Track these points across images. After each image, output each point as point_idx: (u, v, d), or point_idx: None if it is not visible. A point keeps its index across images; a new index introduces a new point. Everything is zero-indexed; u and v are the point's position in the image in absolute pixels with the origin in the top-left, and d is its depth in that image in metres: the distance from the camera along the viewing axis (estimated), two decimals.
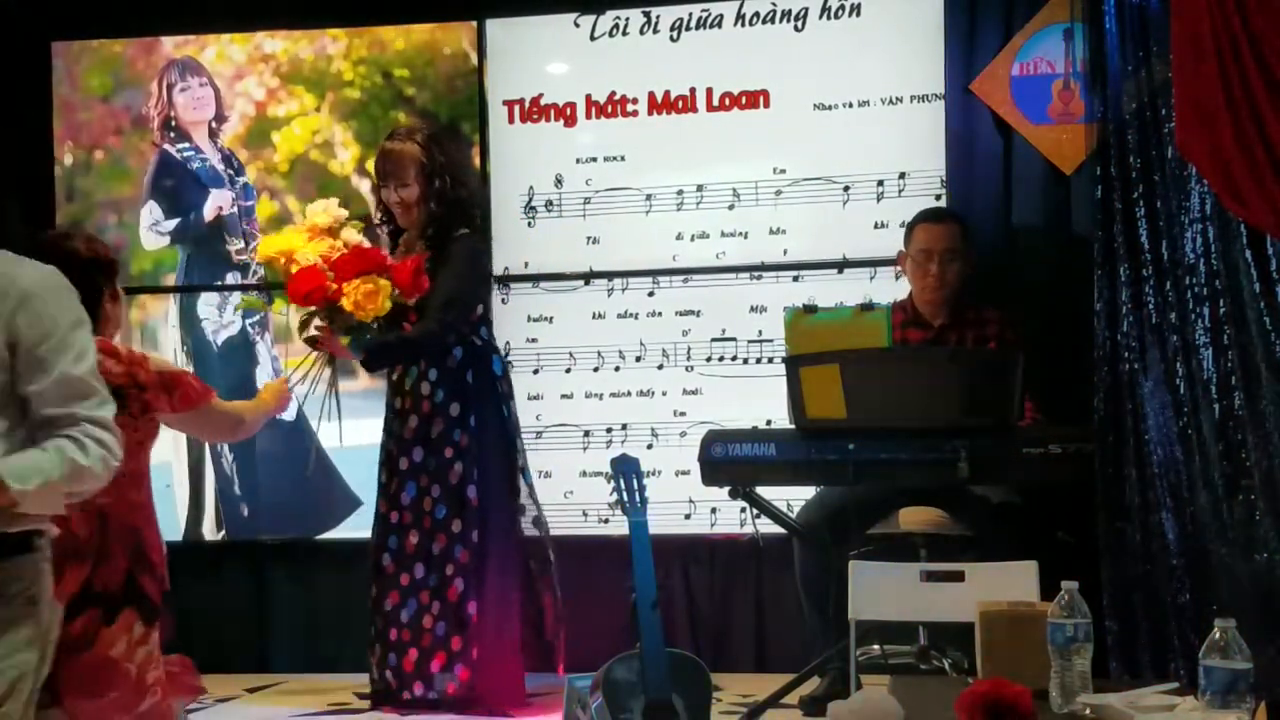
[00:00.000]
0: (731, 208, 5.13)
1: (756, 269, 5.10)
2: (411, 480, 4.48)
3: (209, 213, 5.44)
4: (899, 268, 4.68)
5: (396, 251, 4.53)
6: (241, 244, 5.43)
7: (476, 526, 4.45)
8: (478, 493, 4.46)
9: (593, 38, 5.21)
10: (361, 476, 5.34)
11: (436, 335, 4.39)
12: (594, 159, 5.20)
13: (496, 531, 4.49)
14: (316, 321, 4.29)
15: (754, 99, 5.11)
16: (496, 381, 4.57)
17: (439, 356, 4.47)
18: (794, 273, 5.07)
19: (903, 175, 4.99)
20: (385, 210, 4.59)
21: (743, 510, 4.23)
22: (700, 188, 5.14)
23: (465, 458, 4.45)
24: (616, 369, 5.17)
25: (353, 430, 5.44)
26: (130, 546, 3.18)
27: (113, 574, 3.14)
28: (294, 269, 4.09)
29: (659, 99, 5.16)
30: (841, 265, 5.03)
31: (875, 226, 4.96)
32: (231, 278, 5.44)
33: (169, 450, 5.45)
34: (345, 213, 4.45)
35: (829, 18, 5.07)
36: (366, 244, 4.40)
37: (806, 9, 5.08)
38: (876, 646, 4.16)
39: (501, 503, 4.52)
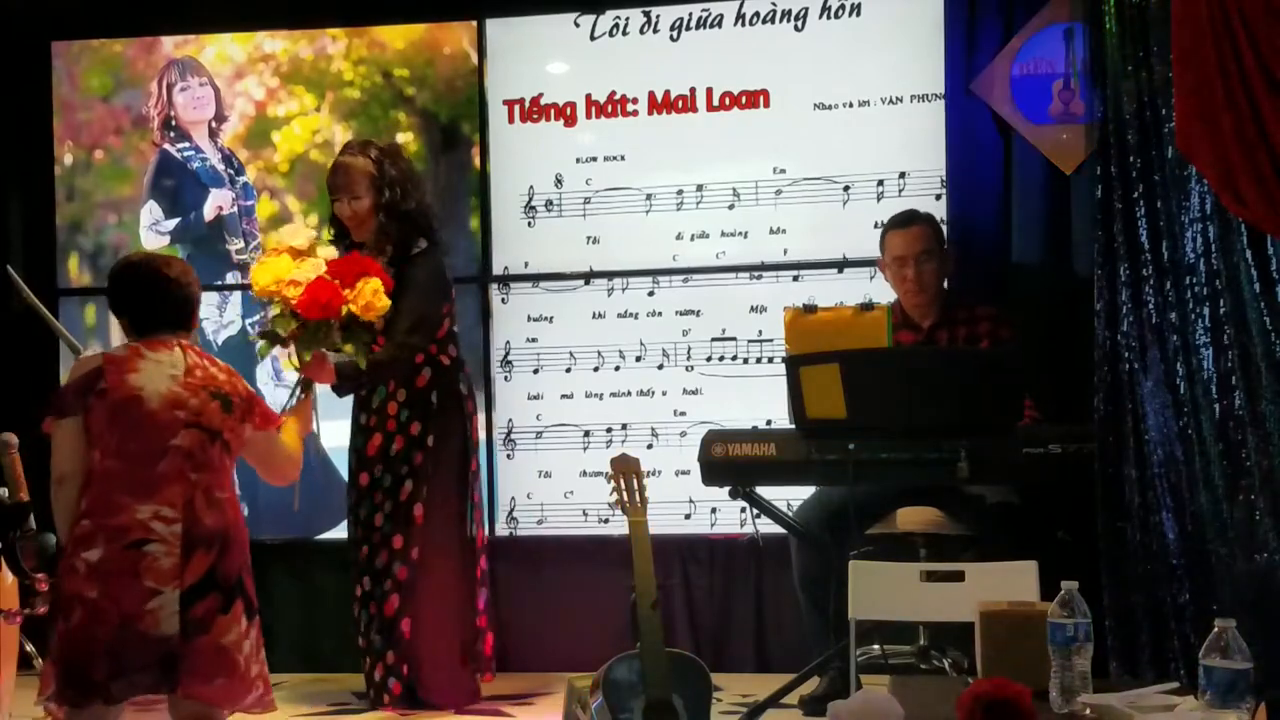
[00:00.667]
0: (731, 208, 5.13)
1: (756, 269, 5.10)
2: (368, 497, 4.57)
3: (209, 212, 5.45)
4: (882, 274, 4.68)
5: None
6: (241, 244, 5.43)
7: (418, 544, 4.52)
8: (424, 510, 4.53)
9: (593, 38, 5.21)
10: None
11: (405, 360, 4.45)
12: (594, 159, 5.21)
13: (440, 548, 4.55)
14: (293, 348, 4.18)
15: (754, 99, 5.11)
16: (462, 402, 4.62)
17: (409, 377, 4.52)
18: (794, 273, 5.07)
19: (903, 175, 4.99)
20: (337, 224, 4.60)
21: (743, 510, 4.23)
22: (700, 188, 5.15)
23: (417, 476, 4.52)
24: (616, 369, 5.17)
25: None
26: (241, 543, 3.29)
27: (230, 566, 3.25)
28: (296, 290, 4.04)
29: (659, 99, 5.16)
30: (841, 265, 5.03)
31: (875, 226, 4.94)
32: (231, 277, 5.44)
33: None
34: (314, 232, 4.50)
35: (829, 18, 5.07)
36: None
37: (806, 9, 5.08)
38: (876, 646, 4.16)
39: (448, 519, 4.58)
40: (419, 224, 4.55)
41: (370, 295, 3.94)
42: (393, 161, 4.56)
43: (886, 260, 4.60)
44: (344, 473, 5.33)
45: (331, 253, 4.28)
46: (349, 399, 4.61)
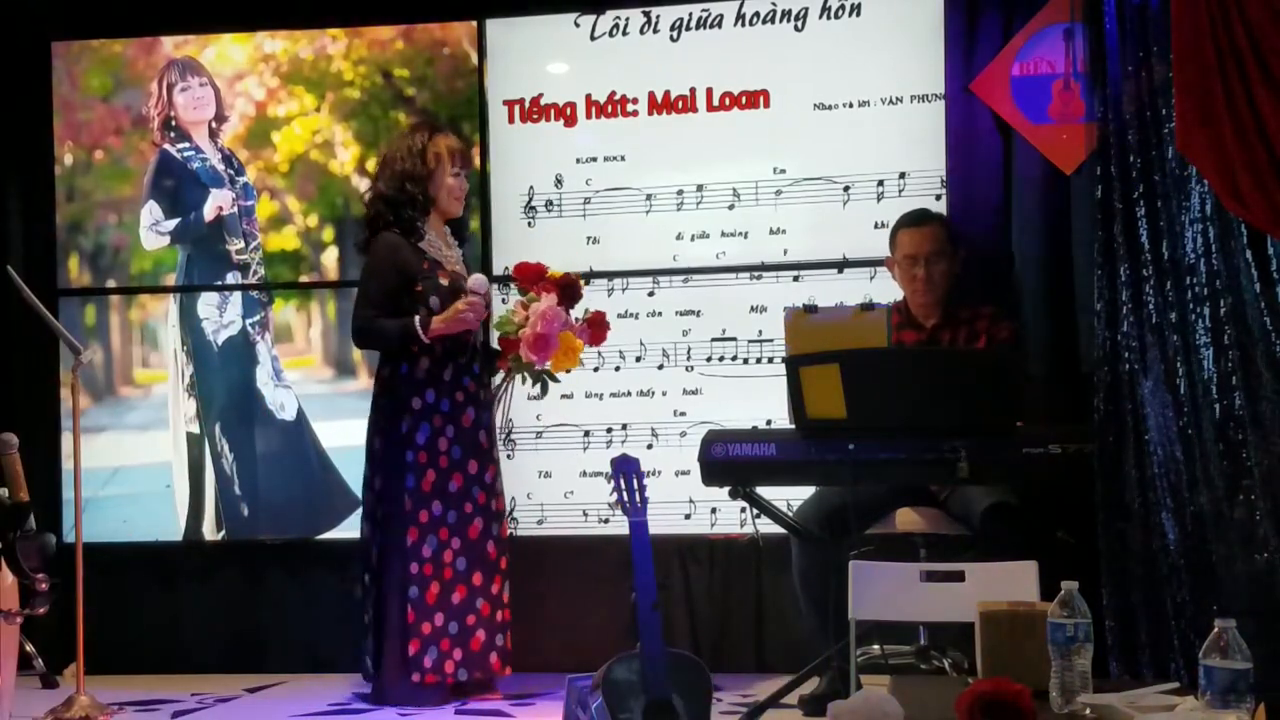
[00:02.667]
0: (731, 208, 5.13)
1: (756, 269, 5.10)
2: (494, 464, 4.77)
3: (209, 213, 5.44)
4: (890, 272, 4.68)
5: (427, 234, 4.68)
6: (241, 244, 5.43)
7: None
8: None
9: (593, 38, 5.21)
10: (361, 476, 5.34)
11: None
12: (594, 159, 5.21)
13: (392, 540, 4.63)
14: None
15: (754, 99, 5.11)
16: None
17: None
18: (794, 273, 5.07)
19: (903, 175, 4.99)
20: (421, 198, 4.62)
21: (743, 510, 4.23)
22: (700, 188, 5.14)
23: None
24: (616, 369, 5.17)
25: (352, 431, 5.46)
26: None
27: None
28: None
29: (659, 99, 5.16)
30: (841, 265, 5.03)
31: (875, 226, 4.96)
32: (232, 277, 5.44)
33: (169, 450, 5.46)
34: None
35: (829, 18, 5.07)
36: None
37: (806, 9, 5.08)
38: (876, 646, 4.16)
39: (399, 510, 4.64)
40: None
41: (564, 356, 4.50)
42: None
43: (896, 258, 4.59)
44: (344, 473, 5.36)
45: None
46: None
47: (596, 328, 4.64)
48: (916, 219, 4.62)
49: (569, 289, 4.59)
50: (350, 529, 5.27)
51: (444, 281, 4.59)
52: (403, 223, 4.59)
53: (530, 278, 4.60)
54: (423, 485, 4.57)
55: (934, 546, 4.21)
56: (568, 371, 4.64)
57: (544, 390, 4.64)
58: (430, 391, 4.60)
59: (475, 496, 4.62)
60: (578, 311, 4.64)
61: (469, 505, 4.61)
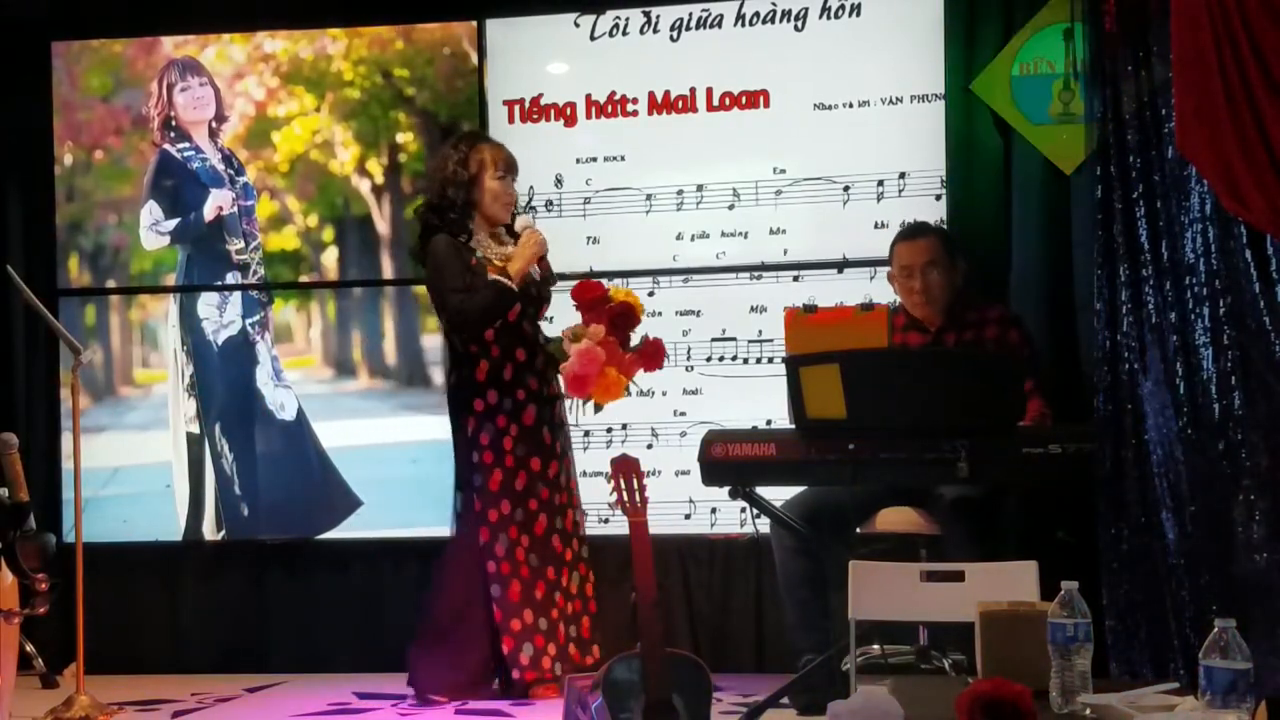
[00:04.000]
0: (731, 208, 5.13)
1: (756, 269, 5.10)
2: (562, 460, 4.77)
3: (209, 212, 5.45)
4: (891, 285, 4.67)
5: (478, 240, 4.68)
6: (241, 244, 5.43)
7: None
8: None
9: (593, 38, 5.21)
10: (361, 476, 5.35)
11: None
12: (594, 159, 5.21)
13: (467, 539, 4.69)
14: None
15: (754, 99, 5.11)
16: None
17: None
18: (794, 273, 5.07)
19: (903, 175, 4.99)
20: (462, 202, 4.65)
21: (743, 510, 4.23)
22: (700, 188, 5.15)
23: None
24: None
25: (352, 431, 5.47)
26: None
27: None
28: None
29: (659, 99, 5.16)
30: (841, 265, 5.03)
31: (875, 226, 4.96)
32: (231, 277, 5.44)
33: (168, 450, 5.46)
34: None
35: (829, 18, 5.07)
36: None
37: (806, 9, 5.08)
38: (876, 646, 4.15)
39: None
40: None
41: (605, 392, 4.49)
42: None
43: (894, 271, 4.59)
44: (344, 473, 5.36)
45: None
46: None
47: (650, 358, 4.57)
48: (912, 232, 4.62)
49: (623, 318, 4.52)
50: (349, 529, 5.28)
51: (492, 276, 4.60)
52: (449, 225, 4.62)
53: (588, 302, 4.54)
54: (490, 484, 4.61)
55: (906, 546, 4.21)
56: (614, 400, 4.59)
57: (597, 408, 4.60)
58: (492, 392, 4.62)
59: (540, 493, 4.64)
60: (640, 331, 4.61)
61: (534, 502, 4.63)
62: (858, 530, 4.33)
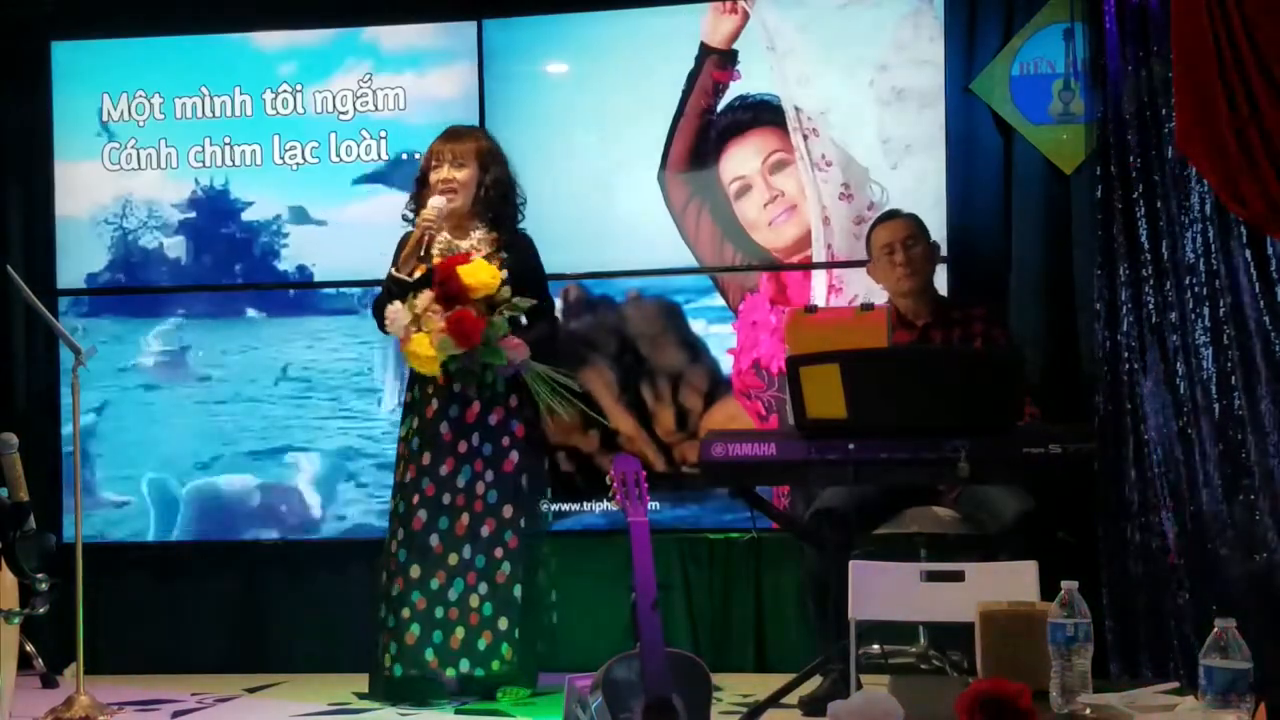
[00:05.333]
0: None
1: (757, 269, 5.09)
2: (467, 464, 4.59)
3: None
4: (871, 277, 4.67)
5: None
6: None
7: (525, 514, 4.62)
8: (528, 482, 4.63)
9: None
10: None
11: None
12: (594, 159, 5.19)
13: (535, 521, 4.68)
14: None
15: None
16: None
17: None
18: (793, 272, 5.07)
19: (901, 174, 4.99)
20: (419, 196, 4.74)
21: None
22: None
23: (520, 447, 4.63)
24: None
25: None
26: None
27: None
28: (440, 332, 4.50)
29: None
30: (842, 265, 5.02)
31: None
32: None
33: None
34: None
35: (829, 18, 5.06)
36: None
37: (806, 9, 5.07)
38: (876, 646, 4.15)
39: (539, 493, 4.72)
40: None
41: (483, 275, 4.43)
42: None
43: (874, 254, 4.60)
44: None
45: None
46: None
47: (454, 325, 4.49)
48: (886, 215, 4.68)
49: (444, 285, 4.51)
50: (349, 529, 5.28)
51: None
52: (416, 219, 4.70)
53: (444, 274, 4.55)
54: (396, 475, 4.72)
55: (938, 546, 4.21)
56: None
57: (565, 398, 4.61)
58: (416, 386, 4.70)
59: (424, 489, 4.62)
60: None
61: (416, 497, 4.62)
62: (883, 530, 4.32)
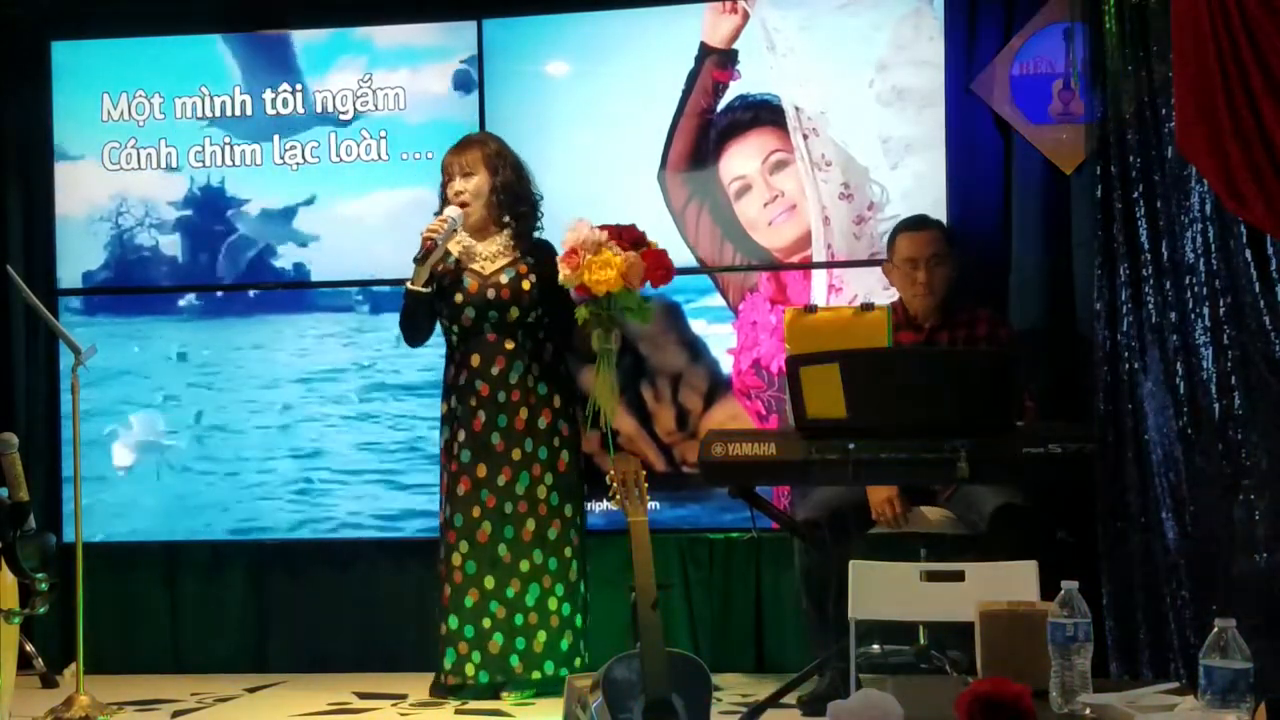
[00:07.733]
0: None
1: (756, 269, 5.09)
2: (525, 470, 4.62)
3: None
4: (887, 277, 4.67)
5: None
6: None
7: (582, 512, 4.73)
8: (580, 479, 4.73)
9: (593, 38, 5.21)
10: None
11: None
12: (593, 158, 5.19)
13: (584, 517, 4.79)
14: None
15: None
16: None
17: (539, 351, 4.68)
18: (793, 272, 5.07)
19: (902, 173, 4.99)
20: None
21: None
22: None
23: (569, 445, 4.70)
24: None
25: None
26: None
27: None
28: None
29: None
30: (842, 265, 5.02)
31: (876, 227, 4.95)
32: None
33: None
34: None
35: (828, 18, 5.06)
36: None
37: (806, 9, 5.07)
38: (876, 646, 4.15)
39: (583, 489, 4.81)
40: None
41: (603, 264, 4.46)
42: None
43: (895, 262, 4.59)
44: None
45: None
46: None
47: (655, 262, 4.57)
48: (916, 223, 4.62)
49: (631, 240, 4.56)
50: (349, 530, 5.28)
51: (468, 280, 4.66)
52: None
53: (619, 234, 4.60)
54: (441, 488, 4.71)
55: (937, 546, 4.21)
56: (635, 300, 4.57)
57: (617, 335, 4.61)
58: (453, 396, 4.70)
59: (485, 501, 4.62)
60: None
61: (477, 509, 4.62)
62: (877, 530, 4.33)
